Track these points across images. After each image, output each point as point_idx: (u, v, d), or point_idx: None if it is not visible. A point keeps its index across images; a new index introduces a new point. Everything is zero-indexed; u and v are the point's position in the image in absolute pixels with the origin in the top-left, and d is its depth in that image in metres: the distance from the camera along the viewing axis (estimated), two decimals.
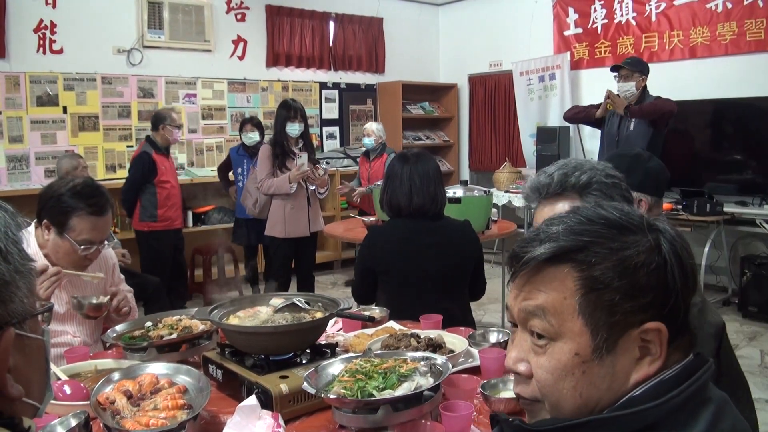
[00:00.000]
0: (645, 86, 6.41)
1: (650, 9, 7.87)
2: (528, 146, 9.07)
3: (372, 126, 7.19)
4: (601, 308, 1.05)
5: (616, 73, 6.47)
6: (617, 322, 1.04)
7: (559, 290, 1.07)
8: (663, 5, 7.75)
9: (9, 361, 0.94)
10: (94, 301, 2.77)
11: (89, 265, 2.87)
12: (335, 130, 9.60)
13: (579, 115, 6.99)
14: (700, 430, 1.01)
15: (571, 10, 8.65)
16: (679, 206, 6.73)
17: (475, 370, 2.30)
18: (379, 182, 5.75)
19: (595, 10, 8.41)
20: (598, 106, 6.64)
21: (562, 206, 1.96)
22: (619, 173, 2.04)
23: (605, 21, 8.33)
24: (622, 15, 8.15)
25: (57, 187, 2.73)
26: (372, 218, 6.02)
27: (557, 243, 1.08)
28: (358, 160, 7.71)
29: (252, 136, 6.99)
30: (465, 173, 10.27)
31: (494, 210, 5.79)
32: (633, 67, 6.34)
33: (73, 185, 2.70)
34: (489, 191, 5.62)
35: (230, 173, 7.34)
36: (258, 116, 8.61)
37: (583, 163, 2.04)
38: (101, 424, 1.81)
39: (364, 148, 7.39)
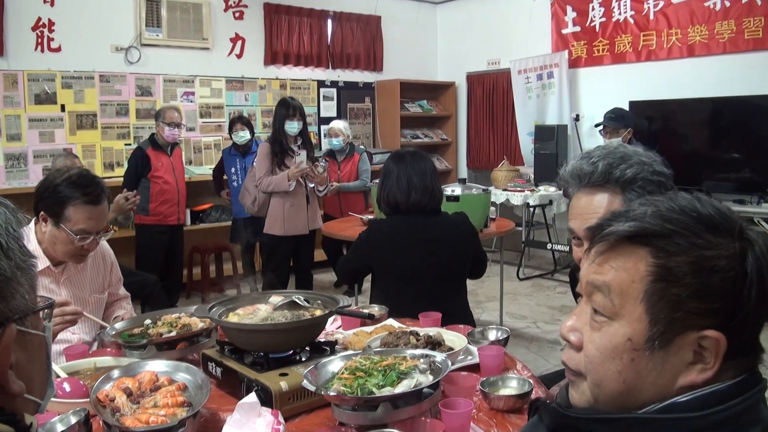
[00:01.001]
0: (631, 138, 6.22)
1: (648, 7, 7.87)
2: (526, 144, 9.07)
3: (339, 125, 7.12)
4: (665, 300, 1.02)
5: (601, 128, 6.36)
6: (678, 319, 1.01)
7: (630, 272, 1.05)
8: (661, 4, 7.75)
9: (11, 357, 0.94)
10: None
11: (86, 256, 2.86)
12: None
13: None
14: None
15: (569, 9, 8.65)
16: None
17: (474, 368, 2.30)
18: (376, 181, 5.76)
19: (593, 9, 8.41)
20: None
21: (600, 198, 1.89)
22: (668, 170, 1.93)
23: (603, 19, 8.33)
24: (620, 13, 8.15)
25: (53, 178, 2.73)
26: (370, 217, 6.01)
27: (642, 224, 1.05)
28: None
29: (243, 135, 6.96)
30: (463, 171, 10.28)
31: (492, 208, 5.79)
32: (618, 123, 6.18)
33: (69, 176, 2.71)
34: (487, 189, 5.62)
35: (224, 177, 7.32)
36: (256, 114, 8.63)
37: (631, 155, 1.91)
38: (101, 422, 1.81)
39: (329, 149, 7.34)
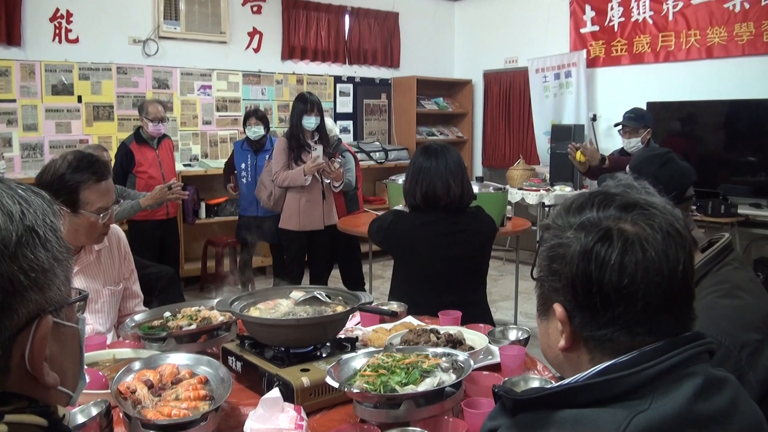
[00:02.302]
0: (650, 139, 6.04)
1: (667, 8, 7.83)
2: (542, 144, 9.04)
3: (328, 123, 6.79)
4: (538, 279, 1.30)
5: (620, 128, 6.28)
6: (543, 294, 1.29)
7: None
8: (680, 4, 7.71)
9: (46, 349, 0.94)
10: None
11: (107, 233, 2.88)
12: (349, 124, 9.59)
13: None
14: (677, 400, 1.12)
15: (588, 8, 8.61)
16: (693, 207, 6.68)
17: (494, 368, 2.29)
18: (394, 177, 5.73)
19: (612, 8, 8.37)
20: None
21: None
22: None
23: (622, 19, 8.29)
24: (639, 13, 8.11)
25: (53, 171, 2.70)
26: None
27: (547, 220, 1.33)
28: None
29: (257, 130, 6.68)
30: (478, 170, 10.25)
31: (509, 207, 5.77)
32: (637, 123, 6.00)
33: (69, 163, 2.69)
34: (504, 188, 5.60)
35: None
36: (272, 109, 8.63)
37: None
38: (121, 414, 1.81)
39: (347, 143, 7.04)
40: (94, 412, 1.79)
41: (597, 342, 1.21)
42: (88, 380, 2.05)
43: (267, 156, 6.46)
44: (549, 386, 1.24)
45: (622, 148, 6.06)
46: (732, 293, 1.79)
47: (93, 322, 2.91)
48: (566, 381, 1.22)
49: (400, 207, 3.70)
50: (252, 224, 6.60)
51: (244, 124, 6.82)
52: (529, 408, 1.21)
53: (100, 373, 2.15)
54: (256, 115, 6.77)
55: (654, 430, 1.09)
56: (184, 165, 7.88)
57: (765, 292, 1.86)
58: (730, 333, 1.67)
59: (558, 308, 1.23)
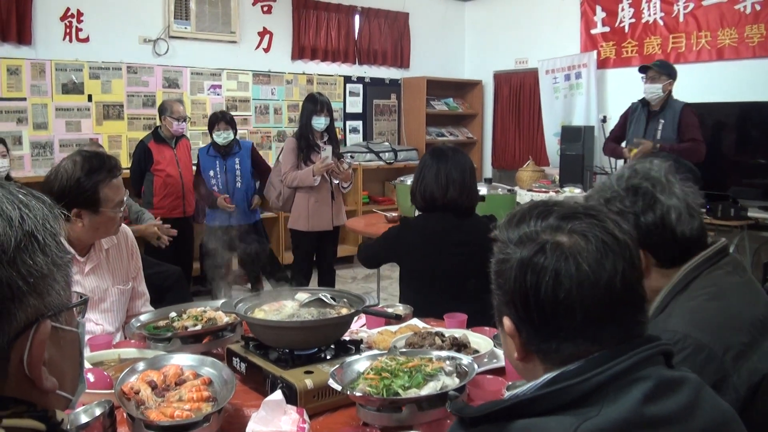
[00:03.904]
0: (670, 91, 6.34)
1: (678, 9, 7.79)
2: (552, 145, 9.01)
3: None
4: (493, 292, 1.32)
5: (644, 74, 6.40)
6: (496, 306, 1.32)
7: None
8: (691, 5, 7.67)
9: (44, 353, 0.94)
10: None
11: (122, 223, 2.95)
12: (359, 124, 9.58)
13: (614, 153, 6.98)
14: (625, 404, 1.13)
15: (598, 9, 8.58)
16: (703, 210, 6.64)
17: (499, 371, 2.28)
18: (403, 178, 5.74)
19: (622, 9, 8.34)
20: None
21: None
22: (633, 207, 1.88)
23: (633, 20, 8.26)
24: (649, 14, 8.08)
25: (66, 177, 2.69)
26: (394, 213, 6.00)
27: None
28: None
29: (226, 135, 6.40)
30: (488, 171, 10.24)
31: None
32: (662, 70, 6.26)
33: (81, 166, 2.70)
34: (513, 189, 5.59)
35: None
36: (282, 108, 8.64)
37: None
38: (125, 414, 1.81)
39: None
40: (98, 412, 1.80)
41: (544, 353, 1.24)
42: (92, 379, 2.07)
43: (236, 159, 6.44)
44: (502, 399, 1.27)
45: (641, 99, 6.41)
46: (719, 296, 1.78)
47: (102, 322, 2.92)
48: (517, 392, 1.24)
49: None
50: (221, 234, 6.14)
51: (211, 130, 6.49)
52: (484, 422, 1.22)
53: (105, 373, 2.15)
54: (225, 119, 6.47)
55: None
56: (194, 164, 7.88)
57: (759, 296, 1.84)
58: (714, 336, 1.66)
59: (507, 322, 1.27)
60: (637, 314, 1.24)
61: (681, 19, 7.78)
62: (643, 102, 6.43)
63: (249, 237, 6.21)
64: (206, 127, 6.77)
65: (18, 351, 0.91)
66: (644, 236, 1.78)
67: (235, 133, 6.52)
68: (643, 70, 6.44)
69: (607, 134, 8.35)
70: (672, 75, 6.27)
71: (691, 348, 1.64)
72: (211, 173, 6.50)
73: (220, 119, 6.43)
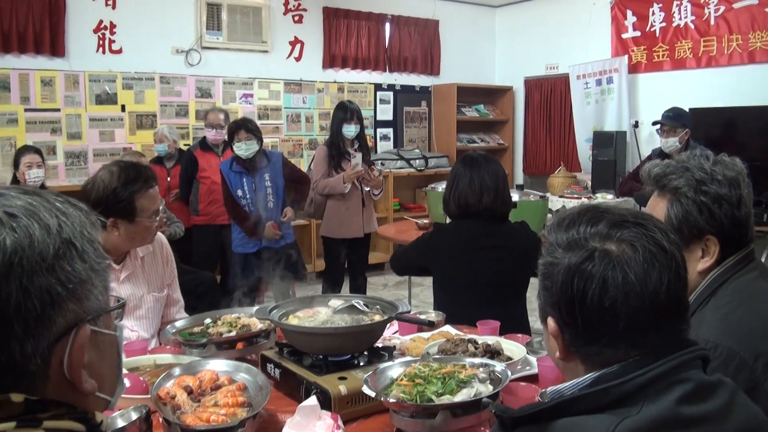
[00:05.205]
0: (689, 138, 5.96)
1: (709, 12, 7.72)
2: (584, 151, 8.94)
3: (164, 130, 6.69)
4: (538, 291, 1.34)
5: (658, 127, 6.21)
6: (541, 306, 1.33)
7: None
8: (722, 8, 7.60)
9: (84, 357, 0.96)
10: None
11: (157, 231, 2.97)
12: (389, 131, 9.59)
13: (631, 192, 6.50)
14: (663, 404, 1.15)
15: (629, 13, 8.53)
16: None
17: (532, 378, 2.27)
18: (434, 185, 5.73)
19: (653, 13, 8.28)
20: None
21: (652, 201, 1.97)
22: (724, 189, 1.87)
23: (663, 24, 8.20)
24: (680, 18, 8.01)
25: (103, 187, 2.73)
26: (425, 220, 6.00)
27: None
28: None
29: (248, 146, 5.36)
30: (519, 177, 10.19)
31: (549, 216, 5.73)
32: (675, 122, 5.93)
33: (118, 176, 2.75)
34: (545, 196, 5.57)
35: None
36: (313, 117, 8.67)
37: (690, 168, 1.90)
38: (161, 419, 1.84)
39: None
40: (134, 416, 1.82)
41: (586, 355, 1.26)
42: (128, 384, 2.09)
43: (266, 176, 5.54)
44: (544, 401, 1.28)
45: (660, 149, 6.01)
46: (749, 302, 1.76)
47: (138, 329, 2.95)
48: (558, 388, 1.30)
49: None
50: (253, 264, 5.54)
51: (231, 141, 5.47)
52: (526, 422, 1.24)
53: (141, 378, 2.17)
54: (246, 127, 5.40)
55: None
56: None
57: None
58: (745, 343, 1.64)
59: (551, 323, 1.29)
60: (681, 321, 1.26)
61: (712, 22, 7.71)
62: (661, 153, 5.98)
63: (284, 261, 5.22)
64: None
65: (58, 355, 0.93)
66: (730, 228, 1.83)
67: (261, 143, 5.51)
68: (656, 123, 6.25)
69: (639, 140, 8.31)
70: (687, 124, 5.96)
71: (723, 357, 1.63)
72: (239, 193, 5.51)
73: (241, 127, 5.39)
